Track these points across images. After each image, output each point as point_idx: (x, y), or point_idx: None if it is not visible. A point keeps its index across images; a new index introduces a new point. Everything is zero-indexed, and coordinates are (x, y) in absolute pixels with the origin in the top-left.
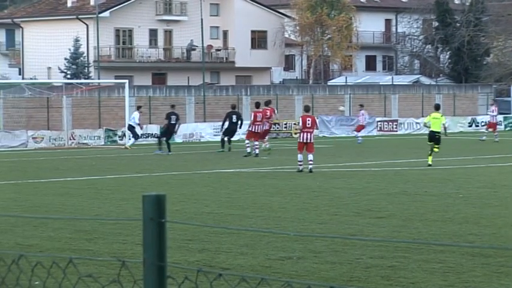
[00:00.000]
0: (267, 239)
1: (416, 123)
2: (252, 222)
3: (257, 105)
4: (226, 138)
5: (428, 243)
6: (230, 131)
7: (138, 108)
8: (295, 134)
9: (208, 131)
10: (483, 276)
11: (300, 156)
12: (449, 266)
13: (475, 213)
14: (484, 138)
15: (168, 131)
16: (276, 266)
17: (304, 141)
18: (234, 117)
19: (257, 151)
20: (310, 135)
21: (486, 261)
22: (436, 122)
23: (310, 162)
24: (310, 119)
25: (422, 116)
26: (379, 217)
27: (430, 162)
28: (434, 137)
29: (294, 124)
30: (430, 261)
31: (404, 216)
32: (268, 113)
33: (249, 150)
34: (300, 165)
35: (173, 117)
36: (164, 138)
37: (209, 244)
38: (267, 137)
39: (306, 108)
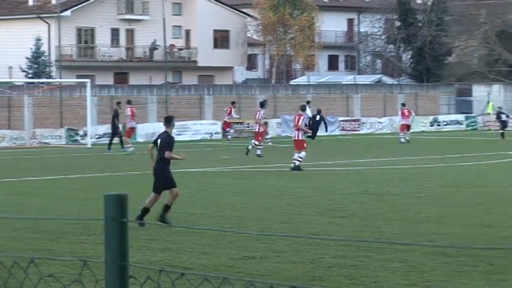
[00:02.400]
0: (230, 239)
1: (379, 122)
2: (214, 221)
3: (129, 102)
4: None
5: (390, 242)
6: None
7: (308, 102)
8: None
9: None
10: (445, 276)
11: (295, 155)
12: (411, 265)
13: (436, 212)
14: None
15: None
16: (238, 265)
17: (292, 138)
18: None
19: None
20: (297, 132)
21: (448, 261)
22: None
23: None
24: (297, 117)
25: (385, 116)
26: (341, 216)
27: None
28: None
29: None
30: (392, 260)
31: (367, 215)
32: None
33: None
34: (296, 161)
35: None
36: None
37: (171, 244)
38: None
39: (300, 107)
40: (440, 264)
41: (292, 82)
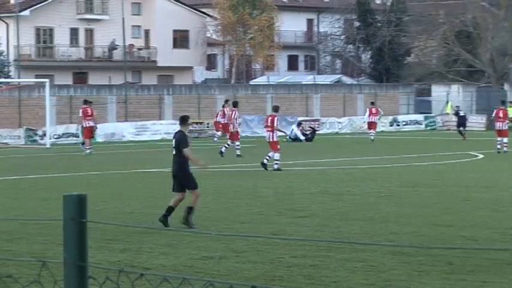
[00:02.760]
0: (189, 239)
1: (338, 122)
2: (174, 222)
3: (85, 102)
4: None
5: (350, 242)
6: None
7: (299, 125)
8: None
9: (130, 131)
10: (404, 275)
11: (274, 155)
12: (371, 265)
13: (395, 212)
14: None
15: None
16: (198, 265)
17: (266, 139)
18: None
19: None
20: (271, 134)
21: (407, 260)
22: None
23: (274, 161)
24: (270, 118)
25: (344, 116)
26: (301, 216)
27: None
28: None
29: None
30: (352, 260)
31: (326, 215)
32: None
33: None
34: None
35: None
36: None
37: (131, 244)
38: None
39: (273, 108)
40: (399, 263)
41: (251, 82)
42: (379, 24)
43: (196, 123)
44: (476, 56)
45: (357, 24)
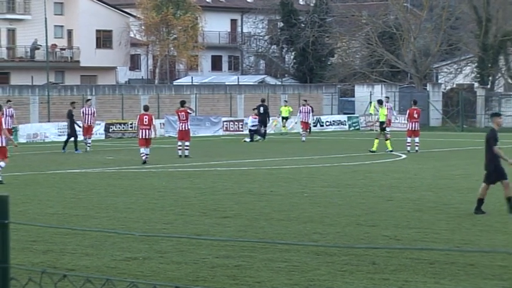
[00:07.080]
0: (113, 240)
1: None
2: (97, 222)
3: None
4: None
5: (274, 242)
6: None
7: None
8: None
9: (53, 131)
10: (327, 275)
11: (142, 149)
12: (294, 265)
13: (319, 212)
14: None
15: None
16: (121, 266)
17: (145, 137)
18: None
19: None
20: (149, 131)
21: (330, 260)
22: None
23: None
24: (147, 116)
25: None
26: (224, 217)
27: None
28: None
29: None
30: (276, 260)
31: (250, 215)
32: None
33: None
34: (143, 156)
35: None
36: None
37: (54, 245)
38: None
39: (145, 108)
40: (323, 263)
41: (175, 82)
42: (303, 25)
43: (120, 123)
44: (399, 57)
45: (280, 24)
